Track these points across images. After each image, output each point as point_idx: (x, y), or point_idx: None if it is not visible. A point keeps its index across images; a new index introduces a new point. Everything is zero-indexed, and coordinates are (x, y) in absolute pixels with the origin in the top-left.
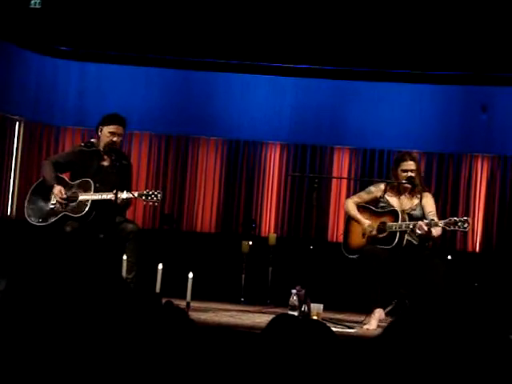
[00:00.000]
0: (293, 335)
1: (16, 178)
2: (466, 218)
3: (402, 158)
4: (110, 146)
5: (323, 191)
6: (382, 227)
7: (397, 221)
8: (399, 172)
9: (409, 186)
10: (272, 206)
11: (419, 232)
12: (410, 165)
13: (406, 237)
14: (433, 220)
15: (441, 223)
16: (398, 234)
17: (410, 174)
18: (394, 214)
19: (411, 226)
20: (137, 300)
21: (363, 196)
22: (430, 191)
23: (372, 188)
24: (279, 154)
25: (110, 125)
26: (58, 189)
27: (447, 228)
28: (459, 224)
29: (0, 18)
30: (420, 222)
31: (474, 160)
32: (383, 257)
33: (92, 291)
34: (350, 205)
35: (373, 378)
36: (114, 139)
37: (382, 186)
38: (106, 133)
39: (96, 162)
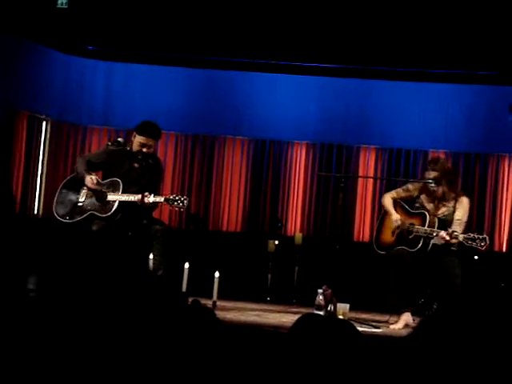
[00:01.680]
0: (319, 335)
1: (43, 178)
2: (484, 236)
3: (426, 166)
4: (139, 153)
5: (349, 191)
6: (410, 229)
7: (424, 225)
8: (425, 173)
9: (439, 187)
10: (298, 205)
11: (440, 241)
12: (431, 174)
13: (432, 241)
14: (454, 232)
15: (460, 237)
16: (422, 239)
17: (432, 184)
18: (423, 217)
19: (434, 234)
20: (164, 299)
21: (400, 193)
22: (466, 195)
23: (410, 186)
24: (305, 153)
25: (141, 135)
26: (89, 177)
27: (465, 244)
28: (477, 241)
29: (27, 18)
30: (441, 233)
31: (500, 160)
32: (408, 260)
33: (120, 288)
34: (387, 198)
35: (399, 378)
36: (144, 150)
37: (418, 186)
38: (137, 141)
39: (127, 162)
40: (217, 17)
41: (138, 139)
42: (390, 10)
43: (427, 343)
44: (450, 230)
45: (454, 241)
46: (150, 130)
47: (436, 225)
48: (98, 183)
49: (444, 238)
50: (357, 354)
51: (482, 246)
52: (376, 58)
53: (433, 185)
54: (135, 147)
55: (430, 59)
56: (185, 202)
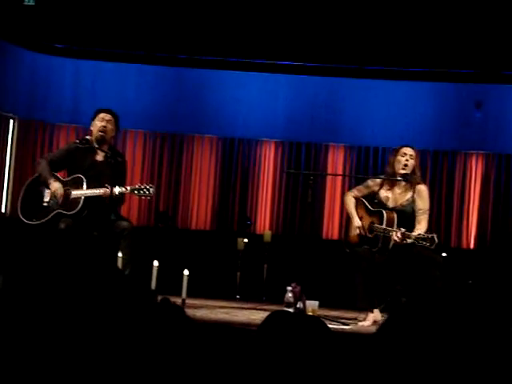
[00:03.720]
0: (289, 331)
1: (10, 176)
2: (433, 235)
3: (403, 145)
4: (101, 133)
5: (318, 189)
6: (371, 227)
7: (382, 223)
8: (398, 157)
9: (404, 181)
10: (267, 203)
11: (395, 240)
12: (409, 150)
13: (392, 241)
14: (406, 232)
15: (412, 236)
16: (381, 238)
17: (408, 159)
18: (380, 215)
19: (390, 234)
20: (132, 297)
21: (362, 190)
22: (424, 184)
23: (370, 182)
24: (274, 151)
25: (98, 115)
26: (55, 186)
27: (416, 243)
28: (427, 240)
29: None
30: (396, 233)
31: (468, 157)
32: (372, 258)
33: (88, 287)
34: (348, 199)
35: (369, 374)
36: (103, 124)
37: (379, 181)
38: (96, 123)
39: (90, 157)
40: (186, 15)
41: (96, 121)
42: (357, 8)
43: (393, 339)
44: (403, 230)
45: (408, 240)
46: (103, 108)
47: (395, 221)
48: (63, 190)
49: (397, 237)
50: (326, 350)
51: (431, 245)
52: (344, 56)
53: (399, 178)
54: (95, 130)
55: (398, 57)
56: (150, 190)
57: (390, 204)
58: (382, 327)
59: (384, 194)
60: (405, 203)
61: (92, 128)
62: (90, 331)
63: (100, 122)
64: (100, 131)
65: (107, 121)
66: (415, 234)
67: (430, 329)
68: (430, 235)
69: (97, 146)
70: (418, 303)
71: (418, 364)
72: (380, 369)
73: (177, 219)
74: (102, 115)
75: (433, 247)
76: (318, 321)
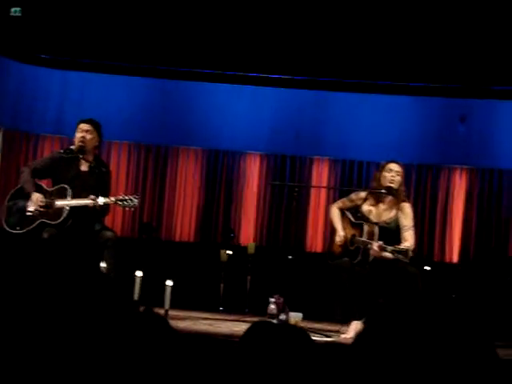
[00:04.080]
0: (271, 341)
1: None
2: (406, 249)
3: (390, 161)
4: (80, 143)
5: (302, 201)
6: (352, 239)
7: (362, 235)
8: (384, 173)
9: (387, 195)
10: (251, 215)
11: (372, 254)
12: (395, 167)
13: (372, 253)
14: (383, 245)
15: (388, 249)
16: (361, 250)
17: (394, 175)
18: (361, 228)
19: (369, 246)
20: (115, 305)
21: (346, 202)
22: (408, 201)
23: (353, 196)
24: (259, 164)
25: (78, 126)
26: (36, 196)
27: (392, 256)
28: (402, 253)
29: None
30: (373, 245)
31: (452, 172)
32: (352, 270)
33: (72, 294)
34: (333, 210)
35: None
36: (82, 135)
37: (363, 195)
38: (76, 134)
39: (74, 167)
40: (172, 27)
41: (75, 133)
42: (341, 23)
43: (369, 348)
44: (380, 242)
45: (385, 253)
46: (82, 119)
47: (376, 234)
48: (45, 196)
49: (375, 251)
50: (308, 359)
51: (404, 258)
52: (330, 70)
53: (383, 191)
54: (76, 142)
55: (383, 71)
56: (135, 200)
57: (373, 218)
58: (359, 338)
59: (367, 208)
60: (388, 220)
61: (74, 139)
62: (73, 339)
63: (79, 134)
64: (79, 141)
65: (86, 131)
66: (391, 247)
67: (406, 338)
68: (404, 248)
69: (81, 156)
70: (393, 314)
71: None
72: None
73: (161, 230)
74: (81, 126)
75: (407, 260)
76: (300, 331)
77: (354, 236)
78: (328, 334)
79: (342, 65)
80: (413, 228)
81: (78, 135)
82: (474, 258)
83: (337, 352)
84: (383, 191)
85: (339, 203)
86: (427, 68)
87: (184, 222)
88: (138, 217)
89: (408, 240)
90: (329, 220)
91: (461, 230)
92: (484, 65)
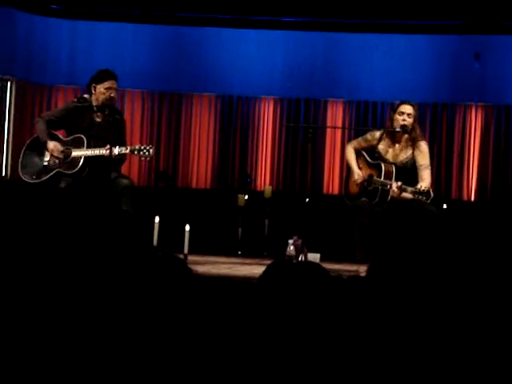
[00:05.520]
0: (289, 278)
1: (9, 139)
2: (428, 189)
3: (401, 102)
4: (109, 101)
5: (318, 144)
6: (369, 180)
7: (380, 176)
8: (396, 116)
9: (403, 134)
10: (267, 159)
11: (392, 195)
12: (408, 108)
13: (391, 194)
14: (403, 185)
15: (408, 190)
16: (379, 190)
17: (406, 118)
18: (379, 168)
19: (388, 187)
20: (135, 249)
21: (361, 143)
22: (424, 140)
23: (368, 136)
24: (273, 108)
25: (105, 81)
26: (52, 144)
27: (413, 197)
28: (423, 194)
29: None
30: (393, 186)
31: (467, 109)
32: (369, 211)
33: (92, 239)
34: (349, 150)
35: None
36: (112, 95)
37: (378, 135)
38: (102, 90)
39: (89, 117)
40: None
41: (101, 87)
42: None
43: (381, 282)
44: (399, 183)
45: (404, 194)
46: (110, 74)
47: (394, 174)
48: (59, 147)
49: (394, 192)
50: (326, 293)
51: (427, 199)
52: (342, 11)
53: (398, 129)
54: (101, 96)
55: (396, 10)
56: (150, 150)
57: (390, 158)
58: (371, 269)
59: (383, 147)
60: (405, 160)
61: (94, 92)
62: (93, 284)
63: (109, 92)
64: (107, 99)
65: (115, 89)
66: (411, 188)
67: (419, 271)
68: (426, 189)
69: (95, 104)
70: (406, 250)
71: (408, 302)
72: (373, 308)
73: (177, 178)
74: (110, 83)
75: (428, 201)
76: (317, 267)
77: (371, 176)
78: (345, 274)
79: (353, 5)
80: (429, 167)
81: (106, 93)
82: (492, 195)
83: (354, 285)
84: (398, 129)
85: (354, 143)
86: (440, 5)
87: (200, 169)
88: (154, 165)
89: (425, 179)
90: (344, 160)
91: (477, 167)
92: (499, 0)
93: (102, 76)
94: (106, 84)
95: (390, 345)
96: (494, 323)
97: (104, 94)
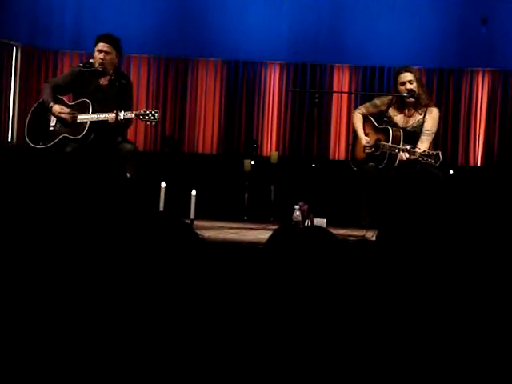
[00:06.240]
0: (296, 242)
1: (15, 105)
2: (438, 152)
3: (398, 72)
4: (101, 65)
5: (324, 109)
6: (377, 144)
7: (388, 140)
8: (398, 87)
9: (411, 99)
10: (273, 125)
11: (400, 159)
12: (406, 76)
13: (399, 159)
14: (412, 148)
15: (417, 153)
16: (387, 155)
17: (408, 85)
18: (387, 132)
19: (396, 151)
20: (142, 213)
21: (369, 108)
22: (435, 106)
23: (377, 101)
24: (279, 73)
25: (97, 43)
26: (58, 107)
27: (421, 160)
28: (432, 157)
29: None
30: (401, 152)
31: (474, 74)
32: (376, 176)
33: (99, 204)
34: (356, 116)
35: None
36: (101, 56)
37: (386, 100)
38: (96, 52)
39: (94, 81)
40: None
41: (96, 49)
42: None
43: (390, 246)
44: (407, 148)
45: (412, 157)
46: (101, 36)
47: (401, 139)
48: (65, 109)
49: (403, 158)
50: (333, 257)
51: (436, 162)
52: None
53: (406, 94)
54: (96, 59)
55: None
56: (156, 114)
57: (400, 123)
58: (380, 234)
59: (393, 113)
60: (415, 124)
61: (93, 56)
62: (99, 249)
63: (98, 54)
64: (99, 63)
65: (105, 52)
66: (420, 150)
67: (426, 236)
68: (434, 152)
69: (100, 69)
70: (413, 215)
71: (415, 266)
72: (380, 272)
73: (183, 144)
74: (100, 45)
75: (437, 164)
76: (323, 230)
77: (378, 141)
78: (352, 239)
79: None
80: (433, 135)
81: (98, 55)
82: (498, 160)
83: (361, 249)
84: (405, 94)
85: (362, 109)
86: None
87: (206, 135)
88: (161, 131)
89: (423, 144)
90: (351, 126)
91: (484, 133)
92: None
93: (96, 39)
94: (97, 46)
95: (397, 311)
96: (498, 289)
97: (96, 57)
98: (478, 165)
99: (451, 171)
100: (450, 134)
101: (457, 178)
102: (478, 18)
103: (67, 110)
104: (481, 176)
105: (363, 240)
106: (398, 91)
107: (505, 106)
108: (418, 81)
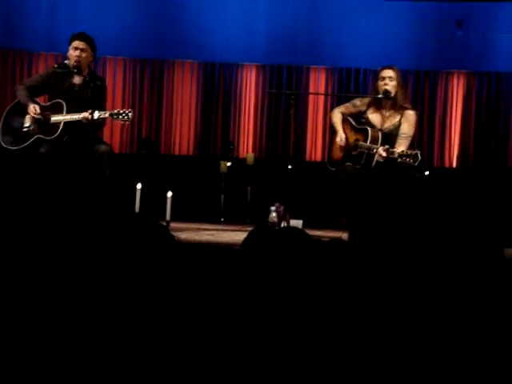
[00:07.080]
0: (271, 243)
1: None
2: (416, 152)
3: (382, 67)
4: (76, 63)
5: (300, 111)
6: (355, 144)
7: (366, 140)
8: (379, 82)
9: (388, 100)
10: (249, 126)
11: (379, 158)
12: (388, 72)
13: (377, 158)
14: (390, 148)
15: (396, 153)
16: (365, 155)
17: (387, 81)
18: (366, 132)
19: (374, 151)
20: (117, 218)
21: (349, 108)
22: (413, 109)
23: (357, 101)
24: (255, 75)
25: (72, 42)
26: (31, 106)
27: (400, 159)
28: (410, 157)
29: None
30: (379, 149)
31: (449, 77)
32: (354, 175)
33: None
34: (335, 114)
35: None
36: (76, 54)
37: (366, 101)
38: (71, 51)
39: (68, 81)
40: None
41: (70, 48)
42: None
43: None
44: (386, 146)
45: (391, 156)
46: (76, 34)
47: (380, 140)
48: (41, 110)
49: (381, 155)
50: (308, 257)
51: (414, 162)
52: None
53: (381, 96)
54: (71, 58)
55: None
56: (129, 114)
57: (377, 125)
58: (353, 232)
59: (371, 114)
60: (392, 127)
61: (68, 55)
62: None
63: (74, 52)
64: (75, 61)
65: (81, 50)
66: (399, 150)
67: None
68: (413, 152)
69: (75, 70)
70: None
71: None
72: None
73: (160, 145)
74: (75, 43)
75: (416, 164)
76: (298, 231)
77: (357, 141)
78: (328, 240)
79: None
80: (410, 138)
81: (73, 53)
82: (473, 162)
83: (335, 249)
84: (380, 96)
85: (342, 108)
86: None
87: (183, 136)
88: (137, 132)
89: (401, 147)
90: (330, 124)
91: (459, 134)
92: None
93: (70, 38)
94: (73, 44)
95: (372, 308)
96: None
97: (71, 54)
98: (454, 166)
99: (427, 172)
100: (426, 136)
101: (432, 179)
102: (453, 20)
103: (40, 110)
104: (456, 177)
105: (336, 240)
106: (376, 87)
107: (480, 107)
108: (399, 81)
